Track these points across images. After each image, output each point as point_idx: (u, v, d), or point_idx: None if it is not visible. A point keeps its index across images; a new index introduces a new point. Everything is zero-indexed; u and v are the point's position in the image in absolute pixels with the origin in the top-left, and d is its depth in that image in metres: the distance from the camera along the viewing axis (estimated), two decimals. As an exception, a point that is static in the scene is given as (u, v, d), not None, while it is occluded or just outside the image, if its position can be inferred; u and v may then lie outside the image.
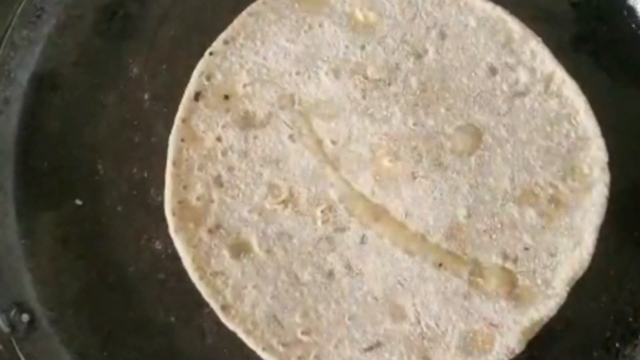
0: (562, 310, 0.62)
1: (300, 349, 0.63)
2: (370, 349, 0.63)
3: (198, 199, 0.64)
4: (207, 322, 0.64)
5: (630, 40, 0.67)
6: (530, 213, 0.63)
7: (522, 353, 0.62)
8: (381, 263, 0.63)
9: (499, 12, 0.66)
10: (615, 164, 0.64)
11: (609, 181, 0.64)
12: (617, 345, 0.64)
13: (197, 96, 0.65)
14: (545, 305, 0.63)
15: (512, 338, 0.62)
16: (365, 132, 0.65)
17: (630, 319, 0.65)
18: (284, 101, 0.65)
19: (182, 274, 0.64)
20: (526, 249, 0.63)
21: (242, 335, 0.63)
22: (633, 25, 0.67)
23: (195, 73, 0.66)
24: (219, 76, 0.66)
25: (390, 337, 0.63)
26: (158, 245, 0.66)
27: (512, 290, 0.63)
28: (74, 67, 0.68)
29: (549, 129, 0.65)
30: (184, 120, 0.65)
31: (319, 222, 0.64)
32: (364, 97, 0.65)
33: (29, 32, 0.68)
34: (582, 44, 0.67)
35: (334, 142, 0.65)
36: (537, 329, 0.63)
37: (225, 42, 0.67)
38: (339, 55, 0.66)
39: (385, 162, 0.64)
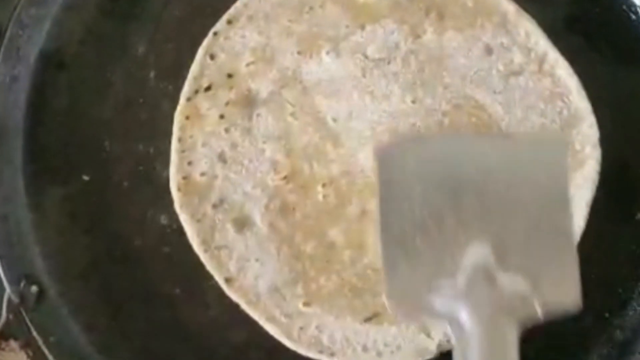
0: (554, 281, 0.65)
1: (301, 320, 0.65)
2: (369, 319, 0.65)
3: (202, 174, 0.66)
4: (211, 294, 0.66)
5: (621, 21, 0.69)
6: (524, 188, 0.66)
7: (516, 323, 0.64)
8: (381, 236, 0.65)
9: (494, -7, 0.69)
10: (606, 141, 0.66)
11: (600, 157, 0.66)
12: (606, 315, 0.67)
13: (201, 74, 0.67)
14: (538, 277, 0.65)
15: (507, 308, 0.65)
16: (365, 110, 0.67)
17: (620, 290, 0.67)
18: (286, 80, 0.67)
19: (187, 247, 0.65)
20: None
21: (245, 306, 0.65)
22: (624, 7, 0.69)
23: (200, 52, 0.68)
24: (222, 55, 0.68)
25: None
26: (163, 219, 0.67)
27: (507, 263, 0.65)
28: (80, 46, 0.69)
29: (542, 106, 0.67)
30: (188, 99, 0.67)
31: (321, 197, 0.66)
32: (364, 76, 0.67)
33: (36, 10, 0.69)
34: (575, 25, 0.69)
35: (335, 120, 0.67)
36: (531, 299, 0.65)
37: (229, 22, 0.68)
38: (339, 35, 0.68)
39: (385, 138, 0.66)
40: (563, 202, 0.55)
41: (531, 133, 0.62)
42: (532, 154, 0.56)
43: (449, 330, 0.53)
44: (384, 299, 0.55)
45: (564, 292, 0.54)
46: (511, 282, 0.52)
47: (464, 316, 0.52)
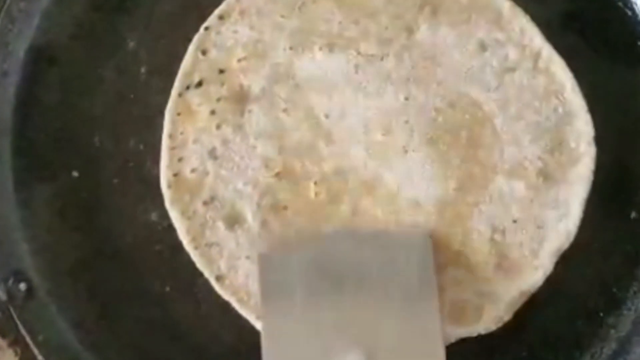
0: (548, 280, 0.64)
1: (293, 319, 0.65)
2: (361, 317, 0.65)
3: (193, 171, 0.65)
4: (202, 292, 0.65)
5: (617, 18, 0.69)
6: (519, 186, 0.65)
7: (509, 322, 0.64)
8: (373, 234, 0.65)
9: (489, -11, 0.68)
10: (601, 139, 0.65)
11: (595, 155, 0.65)
12: (601, 314, 0.66)
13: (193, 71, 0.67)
14: (532, 276, 0.64)
15: (500, 307, 0.64)
16: (358, 107, 0.66)
17: (614, 290, 0.66)
18: (278, 76, 0.66)
19: (178, 245, 0.65)
20: (514, 221, 0.65)
21: (235, 305, 0.64)
22: (620, 3, 0.69)
23: (191, 48, 0.67)
24: (214, 51, 0.67)
25: (380, 306, 0.65)
26: (154, 217, 0.67)
27: (500, 262, 0.65)
28: (70, 41, 0.69)
29: (537, 104, 0.66)
30: (179, 94, 0.66)
31: (312, 194, 0.65)
32: (357, 72, 0.66)
33: (27, 4, 0.68)
34: (571, 22, 0.68)
35: (327, 116, 0.66)
36: (524, 298, 0.64)
37: (221, 17, 0.67)
38: (332, 30, 0.67)
39: (378, 136, 0.65)
40: (430, 300, 0.61)
41: (400, 230, 0.64)
42: (401, 250, 0.62)
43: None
44: None
45: None
46: None
47: None
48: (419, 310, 0.61)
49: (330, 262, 0.62)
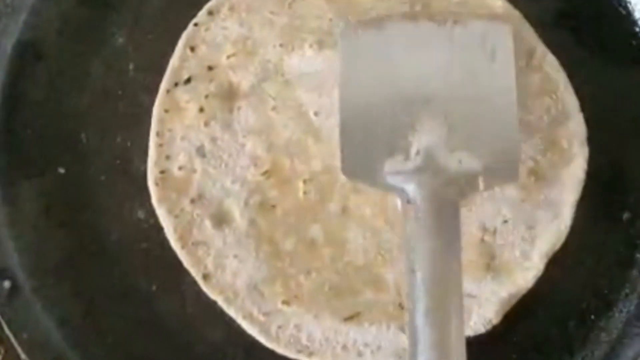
0: (539, 282, 0.63)
1: (280, 319, 0.63)
2: (350, 318, 0.63)
3: (180, 169, 0.65)
4: (189, 291, 0.65)
5: (611, 16, 0.68)
6: (511, 186, 0.64)
7: (499, 324, 0.63)
8: (362, 234, 0.64)
9: (482, -14, 0.67)
10: (594, 139, 0.65)
11: (588, 156, 0.65)
12: (592, 317, 0.65)
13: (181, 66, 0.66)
14: (523, 278, 0.63)
15: (490, 309, 0.63)
16: (347, 105, 0.65)
17: (606, 291, 0.66)
18: (267, 73, 0.66)
19: (164, 243, 0.64)
20: (505, 221, 0.64)
21: (222, 304, 0.63)
22: (614, 2, 0.68)
23: (180, 44, 0.66)
24: (203, 47, 0.66)
25: (370, 307, 0.63)
26: (141, 214, 0.66)
27: (490, 262, 0.64)
28: (58, 36, 0.68)
29: (530, 103, 0.65)
30: (168, 91, 0.66)
31: (301, 193, 0.64)
32: (347, 70, 0.66)
33: (12, -1, 0.68)
34: (564, 20, 0.67)
35: (316, 114, 0.65)
36: (514, 300, 0.64)
37: (210, 13, 0.67)
38: (322, 27, 0.66)
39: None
40: (508, 82, 0.60)
41: (479, 16, 0.64)
42: (479, 39, 0.61)
43: (397, 202, 0.59)
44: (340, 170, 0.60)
45: (505, 166, 0.59)
46: (457, 159, 0.58)
47: (412, 190, 0.57)
48: (498, 95, 0.60)
49: (409, 41, 0.61)
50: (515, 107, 0.60)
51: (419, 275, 0.55)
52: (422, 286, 0.55)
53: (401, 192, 0.58)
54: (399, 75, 0.60)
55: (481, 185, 0.58)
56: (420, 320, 0.55)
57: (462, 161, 0.58)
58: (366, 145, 0.59)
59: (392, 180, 0.58)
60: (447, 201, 0.57)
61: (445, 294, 0.55)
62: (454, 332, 0.54)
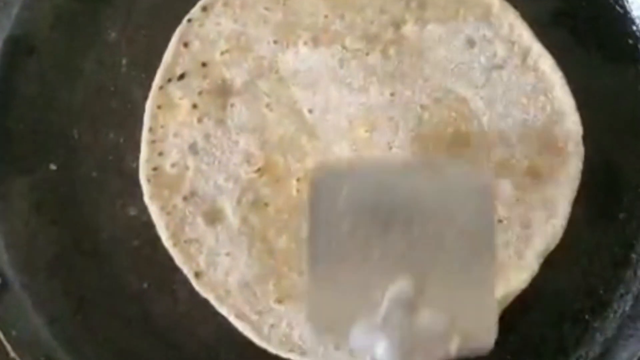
0: (534, 282, 0.63)
1: (272, 317, 0.63)
2: (342, 318, 0.63)
3: (173, 165, 0.64)
4: (180, 289, 0.64)
5: (608, 15, 0.67)
6: (506, 185, 0.64)
7: (493, 324, 0.63)
8: (355, 232, 0.64)
9: (478, -17, 0.67)
10: (590, 139, 0.64)
11: (584, 155, 0.64)
12: (587, 317, 0.65)
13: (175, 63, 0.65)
14: (518, 277, 0.63)
15: (484, 309, 0.63)
16: (342, 102, 0.64)
17: (601, 292, 0.65)
18: (261, 70, 0.65)
19: (156, 240, 0.64)
20: (500, 221, 0.64)
21: (214, 302, 0.63)
22: (611, 1, 0.67)
23: (173, 40, 0.66)
24: (196, 43, 0.66)
25: (363, 306, 0.63)
26: (133, 211, 0.65)
27: (485, 262, 0.64)
28: (50, 31, 0.67)
29: (525, 101, 0.65)
30: (160, 87, 0.65)
31: (295, 191, 0.64)
32: (342, 67, 0.65)
33: (4, -7, 0.67)
34: (561, 19, 0.67)
35: (311, 111, 0.65)
36: (508, 300, 0.63)
37: (204, 9, 0.66)
38: (317, 24, 0.65)
39: (362, 132, 0.64)
40: (487, 239, 0.56)
41: (459, 163, 0.62)
42: (460, 186, 0.57)
43: None
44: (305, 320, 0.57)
45: (479, 331, 0.55)
46: (429, 319, 0.53)
47: (380, 351, 0.53)
48: (474, 259, 0.56)
49: (382, 190, 0.57)
50: (492, 269, 0.56)
51: None
52: None
53: (370, 354, 0.54)
54: (369, 232, 0.56)
55: (453, 349, 0.54)
56: None
57: (434, 319, 0.54)
58: (335, 299, 0.56)
59: (360, 338, 0.54)
60: None
61: None
62: None
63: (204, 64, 0.65)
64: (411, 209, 0.56)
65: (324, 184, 0.57)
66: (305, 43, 0.65)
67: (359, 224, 0.56)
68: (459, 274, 0.56)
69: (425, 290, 0.54)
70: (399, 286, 0.54)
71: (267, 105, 0.65)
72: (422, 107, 0.64)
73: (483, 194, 0.57)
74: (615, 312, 0.65)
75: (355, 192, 0.56)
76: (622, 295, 0.65)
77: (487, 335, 0.55)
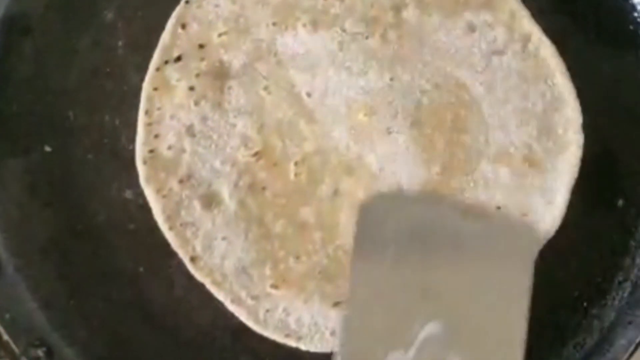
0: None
1: (269, 302, 0.62)
2: (339, 303, 0.62)
3: (170, 148, 0.63)
4: (176, 273, 0.64)
5: (608, 3, 0.67)
6: (504, 172, 0.63)
7: (491, 310, 0.63)
8: (354, 217, 0.63)
9: (478, -31, 0.66)
10: (589, 126, 0.64)
11: (583, 143, 0.64)
12: (585, 304, 0.65)
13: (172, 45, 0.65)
14: (516, 264, 0.63)
15: (482, 296, 0.63)
16: (341, 86, 0.64)
17: (599, 279, 0.65)
18: (260, 52, 0.64)
19: (152, 224, 0.63)
20: (498, 207, 0.63)
21: (210, 286, 0.62)
22: (612, -13, 0.68)
23: (171, 21, 0.65)
24: (194, 25, 0.65)
25: (361, 292, 0.63)
26: (128, 194, 0.65)
27: (484, 249, 0.63)
28: (46, 11, 0.66)
29: (525, 88, 0.64)
30: (157, 69, 0.64)
31: (292, 175, 0.63)
32: (341, 50, 0.64)
33: (-1, -27, 0.66)
34: (562, 5, 0.67)
35: (309, 95, 0.64)
36: (507, 287, 0.63)
37: (202, -10, 0.66)
38: (317, 7, 0.65)
39: (361, 116, 0.64)
40: (521, 297, 0.58)
41: (508, 216, 0.63)
42: (504, 239, 0.60)
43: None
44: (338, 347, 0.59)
45: None
46: None
47: None
48: (508, 305, 0.59)
49: (429, 227, 0.59)
50: (524, 323, 0.58)
51: None
52: None
53: None
54: (411, 267, 0.59)
55: None
56: None
57: None
58: (369, 333, 0.58)
59: None
60: None
61: None
62: None
63: (201, 46, 0.64)
64: (456, 250, 0.59)
65: (372, 212, 0.59)
66: (304, 26, 0.64)
67: (402, 255, 0.58)
68: (491, 326, 0.58)
69: (456, 338, 0.56)
70: (434, 328, 0.56)
71: (265, 88, 0.64)
72: (422, 91, 0.64)
73: (528, 242, 0.60)
74: (614, 299, 0.65)
75: (403, 223, 0.58)
76: (620, 283, 0.65)
77: None
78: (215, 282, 0.62)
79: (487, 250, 0.59)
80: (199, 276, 0.62)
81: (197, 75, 0.64)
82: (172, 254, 0.63)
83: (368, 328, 0.58)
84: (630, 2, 0.67)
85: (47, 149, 0.65)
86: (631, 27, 0.67)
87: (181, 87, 0.64)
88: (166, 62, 0.64)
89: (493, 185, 0.63)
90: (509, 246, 0.60)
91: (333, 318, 0.62)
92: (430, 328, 0.57)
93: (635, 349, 0.62)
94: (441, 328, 0.57)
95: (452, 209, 0.61)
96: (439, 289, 0.58)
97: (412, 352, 0.56)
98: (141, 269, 0.65)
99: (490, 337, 0.58)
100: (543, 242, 0.62)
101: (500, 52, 0.65)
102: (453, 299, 0.58)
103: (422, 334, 0.56)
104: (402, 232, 0.59)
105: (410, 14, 0.65)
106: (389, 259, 0.58)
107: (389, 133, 0.64)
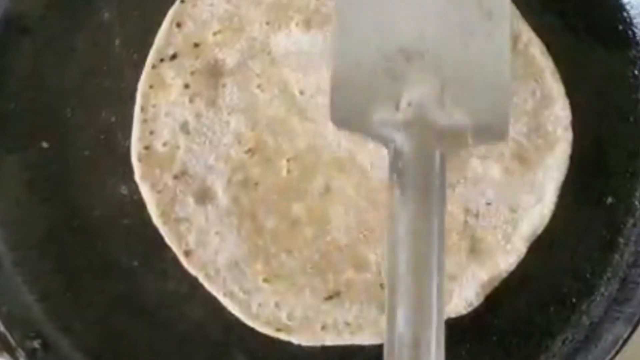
0: (521, 265, 0.63)
1: (260, 296, 0.63)
2: (330, 297, 0.63)
3: (164, 145, 0.64)
4: (170, 267, 0.64)
5: (598, 1, 0.67)
6: (494, 168, 0.64)
7: (480, 306, 0.63)
8: (345, 213, 0.64)
9: (468, -30, 0.67)
10: (578, 123, 0.64)
11: (572, 140, 0.64)
12: (573, 300, 0.65)
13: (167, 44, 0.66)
14: (505, 260, 0.63)
15: (471, 291, 0.63)
16: (333, 84, 0.65)
17: (588, 275, 0.66)
18: (253, 51, 0.65)
19: (147, 219, 0.64)
20: (488, 204, 0.64)
21: (203, 280, 0.63)
22: (601, -14, 0.68)
23: (166, 20, 0.66)
24: (189, 24, 0.66)
25: (351, 286, 0.63)
26: (124, 190, 0.66)
27: (473, 245, 0.64)
28: (44, 10, 0.67)
29: (515, 86, 0.65)
30: (153, 67, 0.65)
31: (285, 172, 0.64)
32: (333, 49, 0.66)
33: (-2, -28, 0.67)
34: (551, 4, 0.67)
35: (302, 93, 0.65)
36: (495, 283, 0.63)
37: (197, -10, 0.67)
38: (309, 6, 0.65)
39: (352, 113, 0.65)
40: (502, 41, 0.60)
41: None
42: None
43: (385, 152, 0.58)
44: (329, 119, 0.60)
45: (494, 124, 0.59)
46: (447, 115, 0.57)
47: (400, 141, 0.56)
48: (491, 50, 0.60)
49: None
50: (508, 66, 0.59)
51: (400, 229, 0.55)
52: (405, 238, 0.54)
53: (389, 142, 0.57)
54: (393, 26, 0.59)
55: (470, 140, 0.57)
56: (402, 268, 0.54)
57: (452, 117, 0.57)
58: (357, 94, 0.58)
59: (381, 130, 0.58)
60: (434, 155, 0.56)
61: (429, 249, 0.54)
62: (435, 287, 0.54)
63: (196, 45, 0.65)
64: (433, 14, 0.60)
65: None
66: (297, 25, 0.65)
67: (381, 18, 0.59)
68: (476, 68, 0.59)
69: (445, 84, 0.58)
70: (420, 84, 0.58)
71: (259, 86, 0.65)
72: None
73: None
74: (602, 295, 0.65)
75: None
76: (609, 279, 0.65)
77: (501, 127, 0.58)
78: (208, 276, 0.63)
79: (465, 4, 0.60)
80: (192, 270, 0.63)
81: (192, 73, 0.65)
82: (166, 249, 0.64)
83: (355, 86, 0.59)
84: (619, 1, 0.67)
85: (45, 145, 0.67)
86: (620, 26, 0.67)
87: (176, 85, 0.65)
88: (162, 60, 0.65)
89: (483, 182, 0.64)
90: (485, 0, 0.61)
91: (324, 312, 0.63)
92: (418, 83, 0.58)
93: (623, 344, 0.63)
94: (429, 83, 0.58)
95: None
96: (422, 47, 0.59)
97: (402, 106, 0.57)
98: (135, 263, 0.66)
99: (479, 85, 0.59)
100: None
101: (490, 51, 0.66)
102: (438, 55, 0.59)
103: (411, 90, 0.57)
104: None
105: (401, 13, 0.66)
106: (370, 23, 0.59)
107: (380, 130, 0.64)
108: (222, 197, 0.64)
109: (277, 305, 0.63)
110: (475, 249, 0.64)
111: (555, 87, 0.65)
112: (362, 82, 0.59)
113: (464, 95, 0.58)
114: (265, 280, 0.63)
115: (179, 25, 0.66)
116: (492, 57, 0.59)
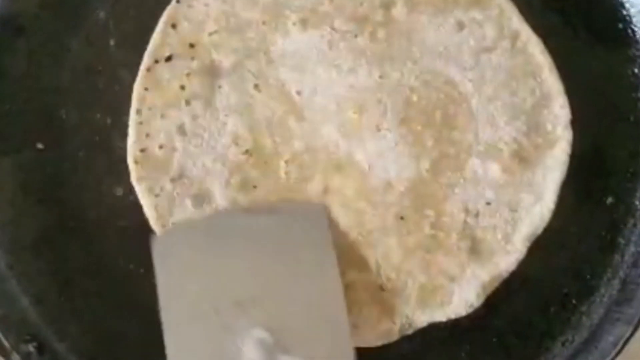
0: (521, 265, 0.63)
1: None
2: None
3: (161, 147, 0.64)
4: (167, 270, 0.64)
5: (597, 0, 0.67)
6: (494, 168, 0.64)
7: (480, 307, 0.63)
8: (343, 214, 0.63)
9: (467, -34, 0.66)
10: (578, 122, 0.64)
11: (571, 139, 0.64)
12: (573, 301, 0.65)
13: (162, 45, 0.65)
14: (505, 261, 0.63)
15: (471, 292, 0.63)
16: (331, 84, 0.64)
17: (588, 276, 0.65)
18: (250, 51, 0.65)
19: (143, 221, 0.64)
20: (488, 204, 0.64)
21: (200, 284, 0.63)
22: (601, -16, 0.68)
23: (161, 21, 0.65)
24: (185, 24, 0.65)
25: (349, 287, 0.63)
26: (119, 192, 0.65)
27: (473, 245, 0.63)
28: (39, 10, 0.67)
29: (514, 85, 0.64)
30: (148, 69, 0.65)
31: (283, 173, 0.64)
32: (330, 49, 0.65)
33: (-8, -28, 0.66)
34: (550, 3, 0.66)
35: (299, 93, 0.64)
36: (495, 283, 0.63)
37: (193, -10, 0.66)
38: (306, 5, 0.65)
39: (350, 114, 0.64)
40: (331, 273, 0.60)
41: (294, 204, 0.63)
42: (296, 226, 0.61)
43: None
44: None
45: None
46: None
47: None
48: (320, 288, 0.60)
49: (224, 239, 0.61)
50: (342, 303, 0.60)
51: None
52: None
53: None
54: (216, 282, 0.60)
55: None
56: None
57: None
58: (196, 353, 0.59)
59: None
60: None
61: None
62: None
63: (192, 45, 0.65)
64: (253, 256, 0.60)
65: (165, 248, 0.61)
66: (294, 24, 0.65)
67: (204, 280, 0.59)
68: (312, 315, 0.59)
69: (283, 337, 0.58)
70: (258, 336, 0.58)
71: (256, 87, 0.64)
72: (411, 89, 0.64)
73: (318, 222, 0.61)
74: (602, 296, 0.65)
75: (197, 248, 0.60)
76: (609, 280, 0.65)
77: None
78: (205, 279, 0.63)
79: (284, 241, 0.61)
80: (189, 274, 0.63)
81: (188, 75, 0.64)
82: (163, 252, 0.63)
83: (191, 350, 0.59)
84: (618, 0, 0.67)
85: (39, 146, 0.66)
86: (620, 25, 0.67)
87: (172, 86, 0.64)
88: (157, 62, 0.65)
89: (482, 182, 0.64)
90: (303, 231, 0.61)
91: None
92: (254, 335, 0.58)
93: (623, 346, 0.62)
94: (264, 332, 0.58)
95: (242, 217, 0.62)
96: (250, 297, 0.59)
97: None
98: (131, 266, 0.65)
99: (314, 325, 0.59)
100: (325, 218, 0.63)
101: (489, 49, 0.65)
102: (268, 301, 0.59)
103: (247, 343, 0.57)
104: (199, 257, 0.60)
105: (399, 11, 0.65)
106: (193, 286, 0.60)
107: (379, 130, 0.64)
108: (220, 199, 0.63)
109: (275, 309, 0.63)
110: (475, 249, 0.63)
111: (554, 85, 0.65)
112: (196, 345, 0.59)
113: (303, 342, 0.58)
114: (262, 283, 0.63)
115: (174, 25, 0.65)
116: (325, 297, 0.60)
